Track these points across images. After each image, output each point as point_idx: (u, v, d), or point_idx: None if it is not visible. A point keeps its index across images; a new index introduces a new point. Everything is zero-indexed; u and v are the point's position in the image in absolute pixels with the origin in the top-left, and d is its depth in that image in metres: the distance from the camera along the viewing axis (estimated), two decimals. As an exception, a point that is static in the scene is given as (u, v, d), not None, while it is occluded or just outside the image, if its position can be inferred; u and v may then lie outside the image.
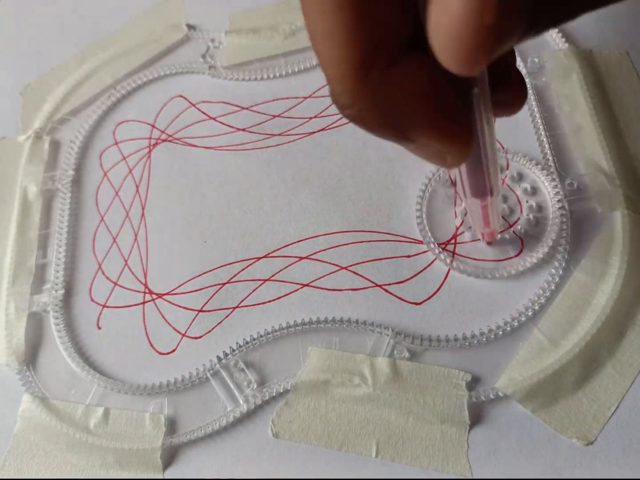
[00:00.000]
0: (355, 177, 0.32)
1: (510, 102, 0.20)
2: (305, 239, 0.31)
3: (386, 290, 0.29)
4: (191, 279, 0.31)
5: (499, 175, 0.24)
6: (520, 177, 0.31)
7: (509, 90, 0.20)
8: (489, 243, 0.29)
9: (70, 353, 0.30)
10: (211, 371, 0.28)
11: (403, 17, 0.15)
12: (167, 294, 0.31)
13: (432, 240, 0.30)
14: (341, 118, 0.33)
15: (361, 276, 0.30)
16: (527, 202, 0.30)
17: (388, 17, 0.14)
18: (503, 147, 0.32)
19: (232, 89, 0.36)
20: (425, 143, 0.17)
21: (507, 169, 0.31)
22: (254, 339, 0.28)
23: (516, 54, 0.33)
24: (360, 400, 0.27)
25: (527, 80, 0.33)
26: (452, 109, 0.16)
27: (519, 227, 0.30)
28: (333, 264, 0.30)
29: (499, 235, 0.29)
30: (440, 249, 0.30)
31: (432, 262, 0.30)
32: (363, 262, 0.30)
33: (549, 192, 0.30)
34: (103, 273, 0.32)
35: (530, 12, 0.12)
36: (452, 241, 0.30)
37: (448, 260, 0.29)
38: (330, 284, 0.30)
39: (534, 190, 0.30)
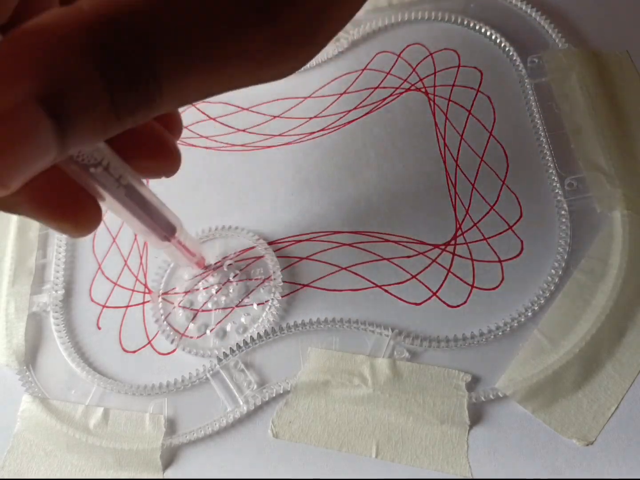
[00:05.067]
0: (355, 177, 0.32)
1: (158, 169, 0.21)
2: (306, 239, 0.31)
3: (386, 291, 0.29)
4: (191, 279, 0.31)
5: (167, 213, 0.24)
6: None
7: (155, 159, 0.20)
8: (204, 268, 0.30)
9: (70, 353, 0.30)
10: (211, 372, 0.28)
11: None
12: (167, 293, 0.31)
13: (431, 240, 0.30)
14: (341, 118, 0.33)
15: (361, 276, 0.30)
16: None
17: None
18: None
19: (232, 89, 0.36)
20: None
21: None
22: (254, 340, 0.28)
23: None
24: (360, 401, 0.27)
25: (526, 80, 0.33)
26: (61, 194, 0.18)
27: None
28: (333, 264, 0.30)
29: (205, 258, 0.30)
30: (440, 250, 0.30)
31: (432, 262, 0.30)
32: (363, 263, 0.30)
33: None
34: (103, 273, 0.32)
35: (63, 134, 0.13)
36: (452, 242, 0.30)
37: (448, 261, 0.29)
38: (330, 284, 0.30)
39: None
